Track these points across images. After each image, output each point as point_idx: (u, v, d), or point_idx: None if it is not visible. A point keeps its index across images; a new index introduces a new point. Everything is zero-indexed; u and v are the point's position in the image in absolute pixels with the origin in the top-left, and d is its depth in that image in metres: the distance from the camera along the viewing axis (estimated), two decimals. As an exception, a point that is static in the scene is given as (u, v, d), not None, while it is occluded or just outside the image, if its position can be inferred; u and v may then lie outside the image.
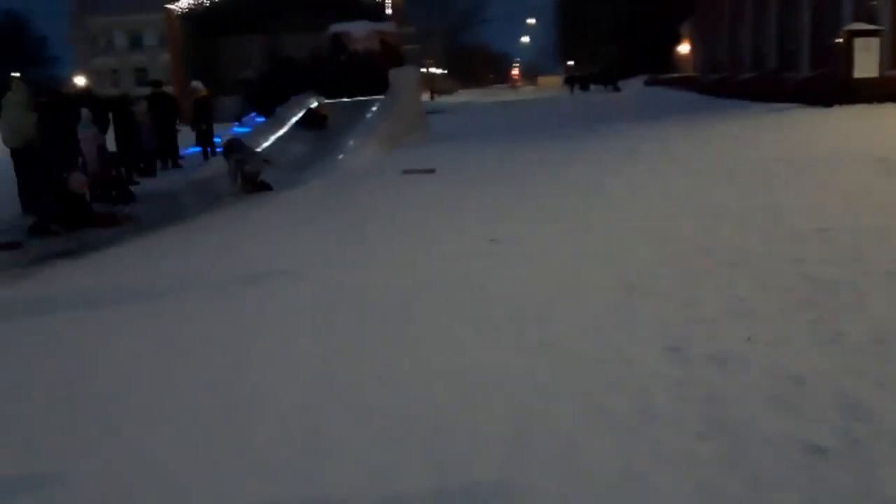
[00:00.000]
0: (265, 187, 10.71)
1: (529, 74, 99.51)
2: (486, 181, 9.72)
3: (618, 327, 3.80)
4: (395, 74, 17.99)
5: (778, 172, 8.11)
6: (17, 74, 10.15)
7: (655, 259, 5.08)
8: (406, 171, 11.14)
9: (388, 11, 24.87)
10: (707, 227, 5.97)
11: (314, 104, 16.37)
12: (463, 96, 60.96)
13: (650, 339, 3.58)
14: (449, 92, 68.48)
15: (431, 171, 11.19)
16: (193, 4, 24.82)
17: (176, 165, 14.56)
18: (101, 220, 7.88)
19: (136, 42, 60.45)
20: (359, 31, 21.15)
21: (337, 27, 20.78)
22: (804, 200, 6.47)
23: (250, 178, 10.82)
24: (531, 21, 78.50)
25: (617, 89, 41.08)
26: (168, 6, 25.12)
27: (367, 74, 19.09)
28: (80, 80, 59.52)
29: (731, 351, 3.36)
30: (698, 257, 5.03)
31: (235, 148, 11.45)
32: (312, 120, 15.93)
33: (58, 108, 10.46)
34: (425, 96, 48.72)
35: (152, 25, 56.19)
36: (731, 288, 4.28)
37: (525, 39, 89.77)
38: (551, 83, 72.72)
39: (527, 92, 62.02)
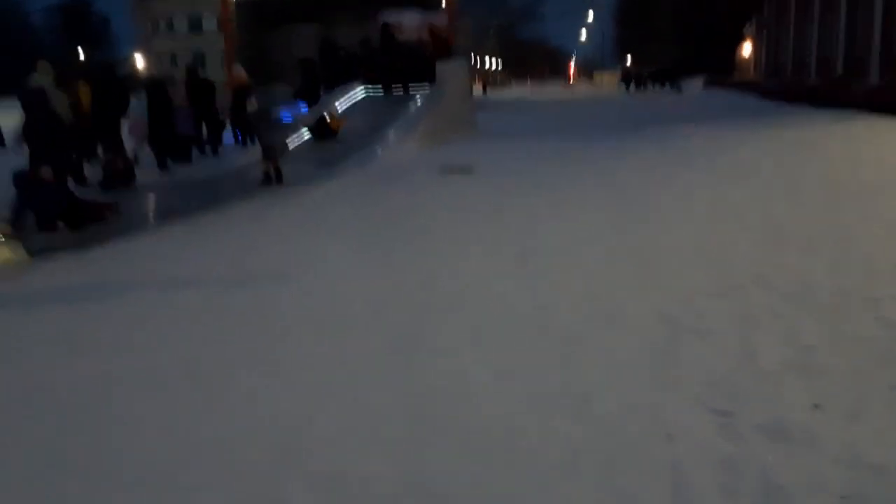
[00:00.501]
0: (276, 178, 10.13)
1: (586, 70, 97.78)
2: (526, 186, 9.12)
3: (654, 378, 3.19)
4: (443, 67, 17.45)
5: (848, 190, 7.35)
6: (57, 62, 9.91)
7: (704, 288, 4.45)
8: (443, 170, 10.62)
9: (443, 3, 24.24)
10: (766, 250, 5.30)
11: (327, 112, 15.01)
12: (516, 91, 60.03)
13: (693, 397, 2.98)
14: (502, 86, 67.69)
15: (470, 170, 10.65)
16: (249, -10, 24.68)
17: (215, 153, 14.24)
18: (90, 213, 7.33)
19: (195, 25, 60.91)
20: (409, 21, 20.65)
21: (387, 16, 20.32)
22: (879, 226, 5.73)
23: (270, 150, 10.19)
24: (590, 17, 76.99)
25: (678, 89, 39.81)
26: (224, -9, 24.94)
27: (415, 65, 18.61)
28: (139, 62, 60.64)
29: (794, 422, 2.74)
30: (755, 289, 4.37)
31: (263, 117, 10.73)
32: (323, 130, 14.56)
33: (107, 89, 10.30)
34: (477, 90, 48.30)
35: (212, 10, 56.52)
36: (793, 332, 3.64)
37: (583, 35, 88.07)
38: (607, 80, 71.21)
39: (581, 88, 60.91)
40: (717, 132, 14.06)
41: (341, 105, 17.26)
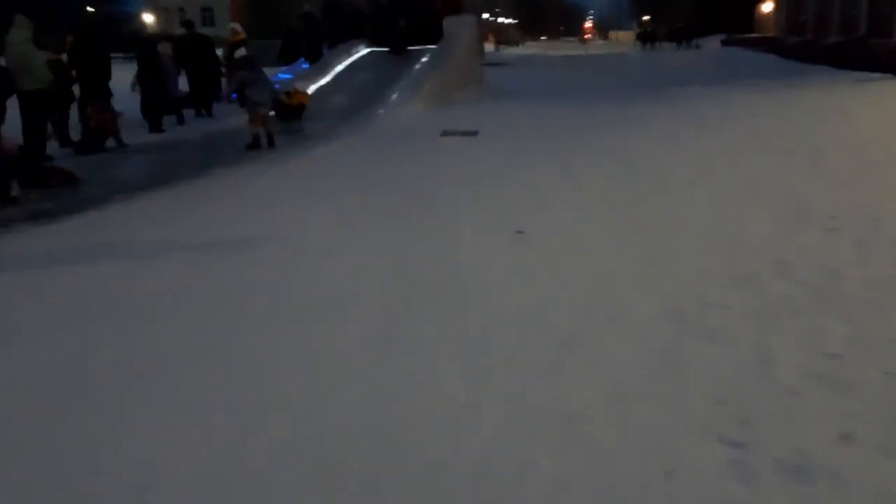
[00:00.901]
0: (268, 143, 9.56)
1: (602, 29, 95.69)
2: (531, 150, 8.62)
3: (656, 395, 2.74)
4: (450, 23, 16.77)
5: (873, 159, 6.82)
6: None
7: (716, 276, 3.99)
8: (445, 133, 10.11)
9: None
10: (786, 230, 4.83)
11: (284, 91, 12.26)
12: (530, 48, 58.77)
13: (700, 422, 2.53)
14: (515, 43, 66.28)
15: (474, 133, 10.14)
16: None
17: (209, 114, 13.70)
18: (56, 175, 6.78)
19: (204, -22, 59.58)
20: (418, -26, 19.88)
21: (394, -31, 19.54)
22: (911, 202, 5.24)
23: (254, 108, 9.59)
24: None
25: (697, 47, 38.67)
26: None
27: (421, 22, 17.91)
28: (147, 18, 59.55)
29: (818, 455, 2.30)
30: (773, 279, 3.91)
31: (247, 65, 10.13)
32: (282, 111, 11.58)
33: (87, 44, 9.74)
34: (490, 47, 47.18)
35: (221, -38, 55.34)
36: (816, 335, 3.18)
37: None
38: (623, 39, 69.62)
39: (597, 46, 59.46)
40: (733, 93, 13.43)
41: (342, 63, 16.67)
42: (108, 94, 10.12)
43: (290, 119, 11.72)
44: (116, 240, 5.44)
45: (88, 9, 22.32)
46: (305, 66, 17.18)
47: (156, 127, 11.56)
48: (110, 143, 9.99)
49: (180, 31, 15.80)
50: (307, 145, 9.59)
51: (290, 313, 3.75)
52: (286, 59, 18.29)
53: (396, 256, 4.72)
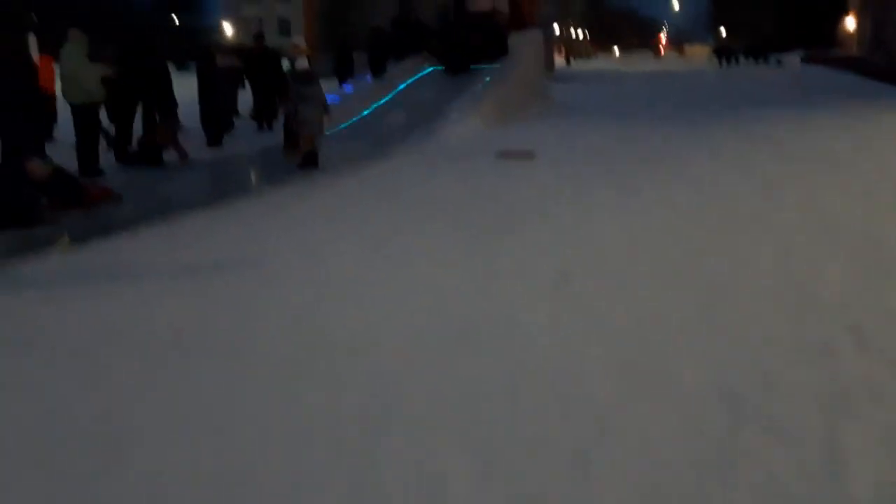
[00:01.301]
0: (311, 161, 9.14)
1: (676, 42, 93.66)
2: (590, 175, 8.16)
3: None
4: (516, 39, 16.43)
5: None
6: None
7: (784, 346, 3.46)
8: (501, 154, 9.71)
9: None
10: (868, 287, 4.25)
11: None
12: (601, 62, 57.94)
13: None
14: (587, 56, 65.43)
15: (531, 154, 9.71)
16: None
17: (270, 127, 13.65)
18: (92, 197, 6.58)
19: (282, -9, 60.73)
20: (483, -10, 19.55)
21: (461, -17, 19.27)
22: None
23: (302, 126, 9.15)
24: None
25: (778, 64, 37.23)
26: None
27: (486, 38, 17.60)
28: (227, 28, 61.00)
29: None
30: (851, 352, 3.36)
31: (302, 79, 9.52)
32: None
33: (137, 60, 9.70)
34: (560, 61, 46.54)
35: (299, -24, 56.25)
36: (903, 435, 2.66)
37: (675, 5, 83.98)
38: (698, 53, 67.85)
39: (671, 61, 58.21)
40: (813, 117, 12.66)
41: (405, 79, 16.45)
42: (174, 103, 10.05)
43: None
44: (137, 264, 5.21)
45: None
46: (369, 79, 17.06)
47: (214, 140, 11.52)
48: (171, 155, 9.89)
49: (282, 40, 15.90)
50: (359, 164, 9.31)
51: (295, 360, 3.41)
52: (343, 73, 18.23)
53: (417, 291, 4.36)
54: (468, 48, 16.18)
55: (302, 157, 9.23)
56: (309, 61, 14.21)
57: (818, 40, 35.89)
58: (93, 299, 4.43)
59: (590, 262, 4.96)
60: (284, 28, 57.34)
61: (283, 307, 4.20)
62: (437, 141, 11.18)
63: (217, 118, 11.68)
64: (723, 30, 62.81)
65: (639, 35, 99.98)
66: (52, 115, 11.60)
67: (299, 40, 14.84)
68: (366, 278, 4.72)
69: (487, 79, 14.84)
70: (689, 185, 7.42)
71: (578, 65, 50.30)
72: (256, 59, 13.96)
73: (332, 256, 5.22)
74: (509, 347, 3.55)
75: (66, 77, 8.41)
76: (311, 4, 25.42)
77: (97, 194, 6.58)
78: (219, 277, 4.79)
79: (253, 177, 8.71)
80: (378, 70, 17.10)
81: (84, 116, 8.59)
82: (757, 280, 4.44)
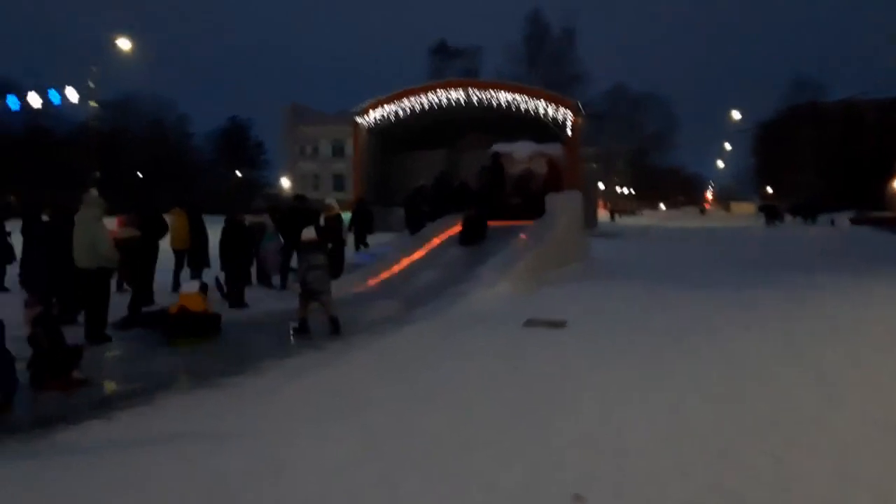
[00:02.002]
0: (333, 329, 8.83)
1: (723, 199, 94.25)
2: (622, 350, 7.47)
3: None
4: (552, 200, 16.22)
5: None
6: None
7: None
8: (529, 322, 9.10)
9: (569, 132, 23.19)
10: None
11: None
12: (646, 218, 58.05)
13: None
14: (632, 213, 65.84)
15: (562, 324, 9.05)
16: (380, 119, 24.92)
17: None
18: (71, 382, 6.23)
19: (338, 150, 63.20)
20: (520, 152, 19.73)
21: (498, 146, 19.49)
22: None
23: (309, 294, 9.00)
24: (727, 146, 73.93)
25: (831, 223, 36.59)
26: (357, 119, 25.34)
27: (524, 197, 17.51)
28: (285, 183, 63.46)
29: None
30: None
31: (309, 248, 9.29)
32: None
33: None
34: (605, 217, 46.60)
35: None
36: None
37: (720, 163, 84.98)
38: (744, 210, 67.79)
39: (717, 218, 58.03)
40: (870, 287, 11.81)
41: (440, 236, 16.27)
42: (206, 263, 10.02)
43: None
44: (104, 452, 4.63)
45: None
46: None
47: (236, 302, 11.19)
48: None
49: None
50: (372, 332, 8.78)
51: None
52: (361, 233, 18.14)
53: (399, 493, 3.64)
54: (506, 208, 16.10)
55: (300, 321, 9.08)
56: (339, 220, 14.29)
57: (866, 200, 35.42)
58: None
59: (609, 477, 4.21)
60: (339, 184, 59.31)
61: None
62: (464, 304, 10.63)
63: (240, 282, 11.49)
64: (768, 188, 62.99)
65: (684, 191, 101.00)
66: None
67: (331, 202, 14.95)
68: (336, 479, 4.02)
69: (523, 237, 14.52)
70: (730, 368, 6.66)
71: (623, 220, 50.37)
72: (290, 217, 13.94)
73: (302, 472, 4.53)
74: None
75: (82, 243, 8.18)
76: (359, 165, 26.22)
77: (75, 382, 6.27)
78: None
79: (260, 347, 8.17)
80: (415, 227, 17.08)
81: (97, 282, 8.32)
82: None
